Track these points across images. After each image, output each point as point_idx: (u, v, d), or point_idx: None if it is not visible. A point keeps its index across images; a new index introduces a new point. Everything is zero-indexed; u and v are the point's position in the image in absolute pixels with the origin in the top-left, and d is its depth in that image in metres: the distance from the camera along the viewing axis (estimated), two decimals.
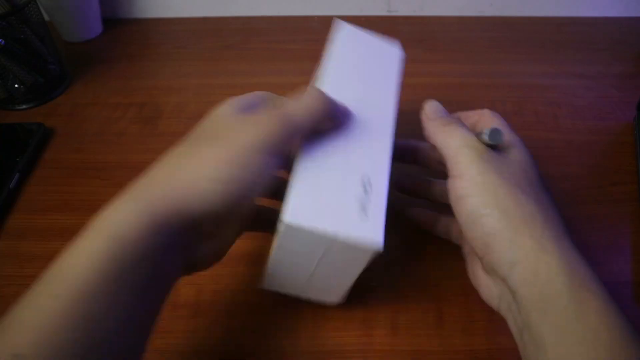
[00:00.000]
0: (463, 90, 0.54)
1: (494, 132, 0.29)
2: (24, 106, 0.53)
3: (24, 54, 0.52)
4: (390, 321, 0.34)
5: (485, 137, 0.29)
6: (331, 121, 0.30)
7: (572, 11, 0.66)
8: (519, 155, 0.30)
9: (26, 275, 0.38)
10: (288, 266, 0.29)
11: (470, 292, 0.36)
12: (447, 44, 0.62)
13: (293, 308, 0.35)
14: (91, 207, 0.43)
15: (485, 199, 0.27)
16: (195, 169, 0.25)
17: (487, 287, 0.30)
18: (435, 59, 0.59)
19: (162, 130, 0.50)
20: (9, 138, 0.49)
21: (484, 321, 0.34)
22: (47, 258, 0.39)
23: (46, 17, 0.57)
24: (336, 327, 0.34)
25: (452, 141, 0.30)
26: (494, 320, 0.34)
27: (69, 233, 0.41)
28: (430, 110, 0.33)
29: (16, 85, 0.53)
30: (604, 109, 0.52)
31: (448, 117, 0.33)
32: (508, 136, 0.31)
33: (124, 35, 0.65)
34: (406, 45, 0.62)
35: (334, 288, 0.32)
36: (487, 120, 0.33)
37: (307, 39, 0.64)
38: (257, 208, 0.31)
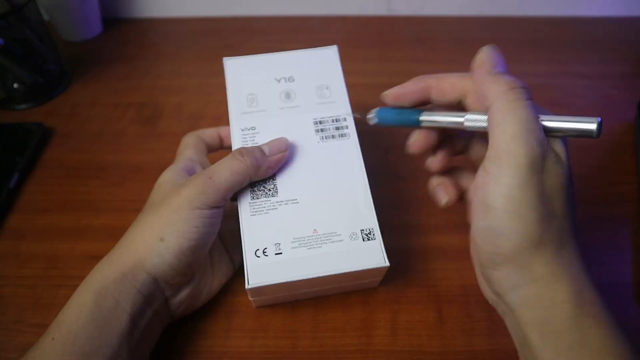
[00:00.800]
0: None
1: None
2: (23, 106, 0.53)
3: (24, 53, 0.52)
4: (390, 321, 0.34)
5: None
6: (265, 170, 0.32)
7: (572, 11, 0.65)
8: (562, 167, 0.25)
9: (26, 275, 0.38)
10: None
11: (470, 292, 0.36)
12: (447, 44, 0.62)
13: (293, 308, 0.35)
14: (91, 207, 0.43)
15: (512, 221, 0.24)
16: (147, 232, 0.30)
17: (484, 289, 0.29)
18: (435, 59, 0.59)
19: (162, 130, 0.50)
20: (8, 138, 0.49)
21: (484, 321, 0.34)
22: (47, 258, 0.39)
23: (46, 17, 0.57)
24: (336, 327, 0.34)
25: (507, 126, 0.25)
26: (494, 320, 0.34)
27: (68, 233, 0.41)
28: (483, 58, 0.29)
29: (16, 85, 0.53)
30: (604, 108, 0.52)
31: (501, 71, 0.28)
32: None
33: (124, 35, 0.65)
34: (406, 45, 0.62)
35: None
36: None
37: (307, 38, 0.63)
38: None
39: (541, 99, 0.54)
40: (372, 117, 0.33)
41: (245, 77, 0.37)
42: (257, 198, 0.32)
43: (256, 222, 0.31)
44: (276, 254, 0.30)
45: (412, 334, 0.34)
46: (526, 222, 0.24)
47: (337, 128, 0.35)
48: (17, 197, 0.44)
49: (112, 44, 0.63)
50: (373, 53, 0.61)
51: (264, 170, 0.31)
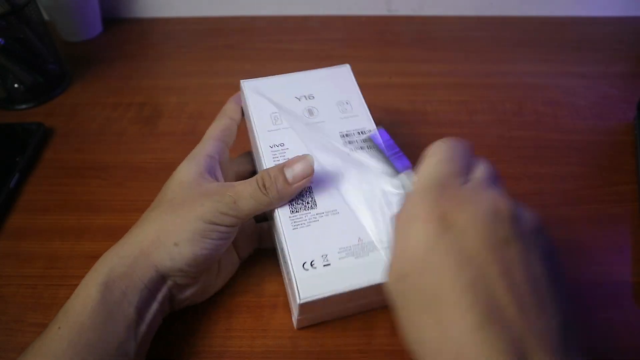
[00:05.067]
0: (463, 90, 0.54)
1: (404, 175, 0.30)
2: (23, 106, 0.53)
3: (24, 53, 0.52)
4: (390, 321, 0.34)
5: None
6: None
7: (572, 11, 0.65)
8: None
9: (26, 275, 0.38)
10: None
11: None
12: (447, 44, 0.62)
13: None
14: (91, 206, 0.43)
15: (423, 322, 0.21)
16: (162, 234, 0.30)
17: None
18: (435, 59, 0.59)
19: (162, 130, 0.50)
20: (8, 138, 0.49)
21: None
22: (47, 258, 0.39)
23: (46, 17, 0.57)
24: (336, 327, 0.34)
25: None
26: None
27: (68, 233, 0.41)
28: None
29: (16, 85, 0.53)
30: (604, 108, 0.52)
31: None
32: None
33: (124, 35, 0.65)
34: (406, 45, 0.62)
35: None
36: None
37: (307, 39, 0.63)
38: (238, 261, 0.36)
39: (541, 99, 0.54)
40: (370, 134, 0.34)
41: (265, 97, 0.37)
42: (297, 212, 0.31)
43: (299, 235, 0.30)
44: (324, 265, 0.29)
45: None
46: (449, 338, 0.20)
47: (364, 140, 0.35)
48: (17, 197, 0.44)
49: (112, 44, 0.63)
50: (373, 53, 0.61)
51: (287, 198, 0.31)
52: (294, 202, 0.32)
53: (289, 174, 0.30)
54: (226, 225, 0.30)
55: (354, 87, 0.38)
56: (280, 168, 0.30)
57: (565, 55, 0.59)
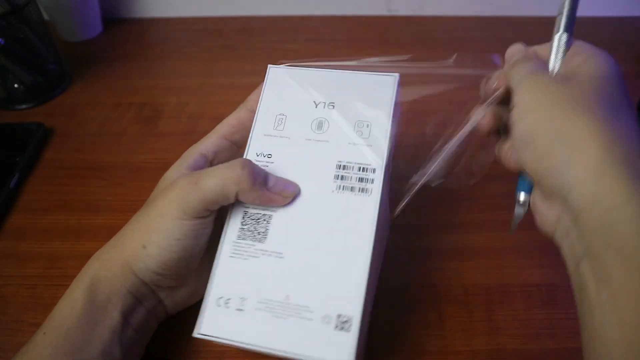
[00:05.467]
0: (463, 90, 0.54)
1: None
2: (23, 106, 0.53)
3: (24, 53, 0.52)
4: (390, 321, 0.34)
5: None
6: (264, 194, 0.28)
7: None
8: (591, 69, 0.27)
9: (26, 275, 0.38)
10: None
11: (470, 292, 0.36)
12: (447, 44, 0.62)
13: None
14: (91, 207, 0.43)
15: (537, 122, 0.26)
16: (135, 236, 0.29)
17: (542, 213, 0.27)
18: (435, 58, 0.59)
19: (162, 130, 0.50)
20: (8, 138, 0.49)
21: (484, 321, 0.34)
22: (47, 258, 0.39)
23: (46, 17, 0.57)
24: None
25: (515, 74, 0.29)
26: (494, 320, 0.34)
27: (68, 233, 0.41)
28: (508, 55, 0.33)
29: (16, 85, 0.53)
30: None
31: (520, 54, 0.33)
32: (582, 50, 0.29)
33: (124, 35, 0.65)
34: (406, 45, 0.62)
35: None
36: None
37: (307, 39, 0.63)
38: None
39: None
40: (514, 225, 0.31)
41: (283, 92, 0.32)
42: (244, 239, 0.28)
43: (232, 265, 0.27)
44: (237, 309, 0.26)
45: (412, 334, 0.34)
46: (551, 119, 0.25)
47: (361, 179, 0.28)
48: (17, 197, 0.44)
49: (112, 44, 0.63)
50: (373, 53, 0.61)
51: (257, 195, 0.27)
52: (245, 227, 0.28)
53: (271, 179, 0.28)
54: (191, 217, 0.27)
55: (387, 106, 0.30)
56: (265, 172, 0.28)
57: None
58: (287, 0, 0.66)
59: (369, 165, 0.29)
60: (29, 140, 0.48)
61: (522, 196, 0.30)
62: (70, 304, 0.27)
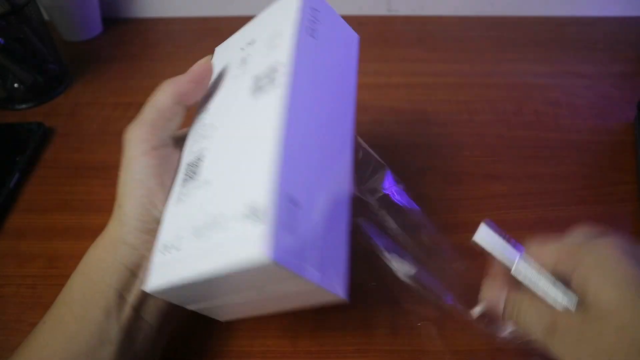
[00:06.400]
0: (463, 90, 0.54)
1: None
2: (23, 106, 0.53)
3: (24, 53, 0.52)
4: (389, 321, 0.34)
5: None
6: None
7: (572, 11, 0.65)
8: (623, 318, 0.20)
9: (26, 275, 0.38)
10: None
11: (470, 292, 0.36)
12: (447, 44, 0.62)
13: None
14: (91, 206, 0.43)
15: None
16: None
17: None
18: (435, 59, 0.59)
19: None
20: (8, 138, 0.49)
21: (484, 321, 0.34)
22: (47, 258, 0.39)
23: (46, 17, 0.57)
24: (335, 327, 0.34)
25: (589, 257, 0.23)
26: (493, 320, 0.34)
27: (68, 233, 0.41)
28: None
29: (16, 85, 0.53)
30: (604, 108, 0.52)
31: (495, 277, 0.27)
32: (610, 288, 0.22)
33: (124, 35, 0.65)
34: (406, 45, 0.62)
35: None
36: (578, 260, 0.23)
37: None
38: None
39: (541, 99, 0.54)
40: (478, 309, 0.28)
41: (220, 61, 0.33)
42: (185, 185, 0.27)
43: (176, 211, 0.27)
44: (176, 250, 0.25)
45: (412, 334, 0.34)
46: None
47: (270, 79, 0.26)
48: (17, 196, 0.44)
49: (112, 44, 0.63)
50: (373, 53, 0.61)
51: (187, 82, 0.30)
52: (187, 176, 0.28)
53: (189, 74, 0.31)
54: (150, 149, 0.28)
55: (292, 13, 0.28)
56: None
57: (565, 55, 0.59)
58: None
59: (278, 60, 0.26)
60: (29, 140, 0.48)
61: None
62: (67, 291, 0.27)
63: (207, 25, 0.66)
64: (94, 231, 0.41)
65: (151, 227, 0.28)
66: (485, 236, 0.27)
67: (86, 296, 0.27)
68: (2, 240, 0.41)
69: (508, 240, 0.26)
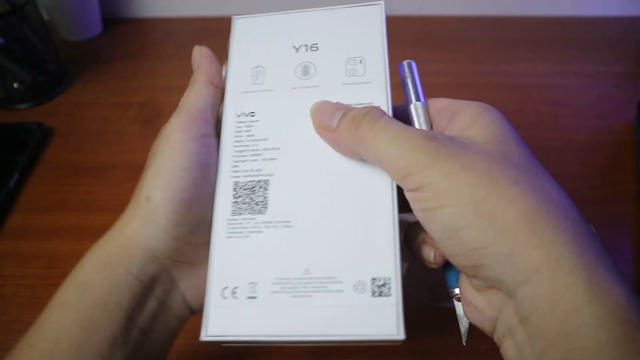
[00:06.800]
0: (463, 90, 0.54)
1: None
2: (23, 106, 0.53)
3: (24, 53, 0.52)
4: None
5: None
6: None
7: (572, 11, 0.65)
8: (486, 130, 0.23)
9: (26, 275, 0.38)
10: None
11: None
12: (447, 44, 0.62)
13: None
14: (91, 207, 0.43)
15: (459, 208, 0.20)
16: (134, 199, 0.25)
17: (477, 307, 0.23)
18: (435, 59, 0.59)
19: None
20: (8, 138, 0.49)
21: None
22: (47, 258, 0.39)
23: (46, 17, 0.57)
24: None
25: (384, 145, 0.21)
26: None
27: (68, 233, 0.41)
28: (323, 115, 0.24)
29: (16, 85, 0.53)
30: (605, 108, 0.52)
31: (354, 110, 0.23)
32: (453, 107, 0.24)
33: (124, 35, 0.65)
34: (406, 45, 0.62)
35: None
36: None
37: None
38: None
39: (542, 99, 0.54)
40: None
41: (257, 43, 0.28)
42: (240, 213, 0.24)
43: (232, 247, 0.23)
44: (249, 297, 0.22)
45: (412, 334, 0.34)
46: (477, 202, 0.20)
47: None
48: (17, 197, 0.44)
49: (112, 44, 0.63)
50: None
51: (210, 64, 0.29)
52: (239, 199, 0.24)
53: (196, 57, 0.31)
54: (192, 138, 0.25)
55: (379, 37, 0.27)
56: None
57: (565, 55, 0.59)
58: (287, 0, 0.66)
59: (372, 103, 0.25)
60: (29, 140, 0.48)
61: (458, 292, 0.25)
62: (61, 308, 0.22)
63: (207, 25, 0.66)
64: (94, 231, 0.41)
65: (183, 232, 0.23)
66: (409, 69, 0.27)
67: (87, 318, 0.21)
68: (2, 240, 0.41)
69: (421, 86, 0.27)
